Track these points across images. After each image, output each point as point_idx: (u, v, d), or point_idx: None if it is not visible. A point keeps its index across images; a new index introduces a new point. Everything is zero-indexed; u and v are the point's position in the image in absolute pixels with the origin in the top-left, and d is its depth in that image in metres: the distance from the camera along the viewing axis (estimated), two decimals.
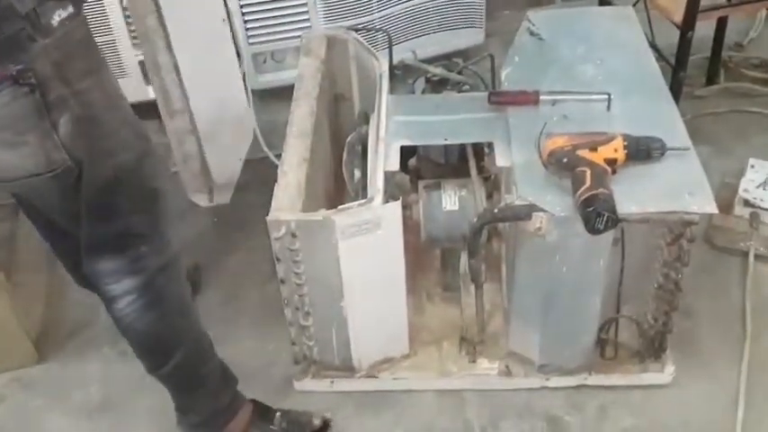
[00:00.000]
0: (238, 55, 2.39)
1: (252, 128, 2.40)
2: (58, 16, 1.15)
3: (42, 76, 1.15)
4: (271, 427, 1.66)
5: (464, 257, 1.61)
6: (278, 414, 1.67)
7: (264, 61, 2.45)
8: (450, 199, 1.65)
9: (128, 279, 1.38)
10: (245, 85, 2.37)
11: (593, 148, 1.44)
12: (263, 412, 1.67)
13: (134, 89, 2.18)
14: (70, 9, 1.17)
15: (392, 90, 1.77)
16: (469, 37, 2.62)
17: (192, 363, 1.53)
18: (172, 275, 1.43)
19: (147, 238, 1.38)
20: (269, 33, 2.40)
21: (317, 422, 1.70)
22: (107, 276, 1.39)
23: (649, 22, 2.20)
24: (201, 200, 2.08)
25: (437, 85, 1.83)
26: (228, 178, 2.17)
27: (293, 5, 2.37)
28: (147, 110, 1.87)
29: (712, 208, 1.42)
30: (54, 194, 1.31)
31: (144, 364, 1.51)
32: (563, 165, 1.44)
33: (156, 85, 1.86)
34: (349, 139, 1.74)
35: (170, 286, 1.44)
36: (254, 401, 1.67)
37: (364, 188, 1.55)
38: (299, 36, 2.14)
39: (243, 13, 2.35)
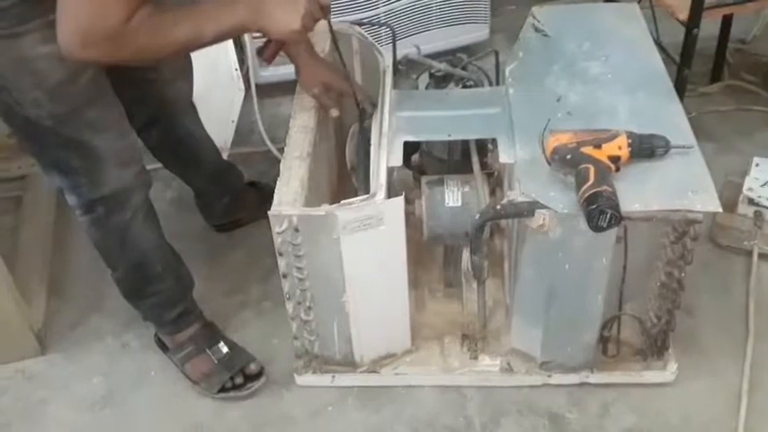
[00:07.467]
0: (242, 49, 2.40)
1: (241, 88, 2.40)
2: None
3: None
4: (206, 350, 1.76)
5: (466, 254, 1.60)
6: (221, 344, 1.77)
7: None
8: (453, 195, 1.64)
9: (72, 197, 1.56)
10: (249, 79, 2.38)
11: (597, 146, 1.43)
12: (209, 337, 1.78)
13: None
14: None
15: (396, 85, 1.76)
16: (474, 32, 2.62)
17: (130, 283, 1.73)
18: (112, 209, 1.57)
19: (81, 173, 1.51)
20: None
21: (253, 368, 1.75)
22: (61, 189, 1.57)
23: (654, 19, 2.20)
24: None
25: (441, 81, 1.81)
26: (222, 142, 2.17)
27: None
28: None
29: (716, 206, 1.41)
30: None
31: None
32: (566, 161, 1.44)
33: None
34: (351, 129, 1.75)
35: (110, 217, 1.58)
36: (209, 324, 1.81)
37: (367, 183, 1.55)
38: None
39: None
